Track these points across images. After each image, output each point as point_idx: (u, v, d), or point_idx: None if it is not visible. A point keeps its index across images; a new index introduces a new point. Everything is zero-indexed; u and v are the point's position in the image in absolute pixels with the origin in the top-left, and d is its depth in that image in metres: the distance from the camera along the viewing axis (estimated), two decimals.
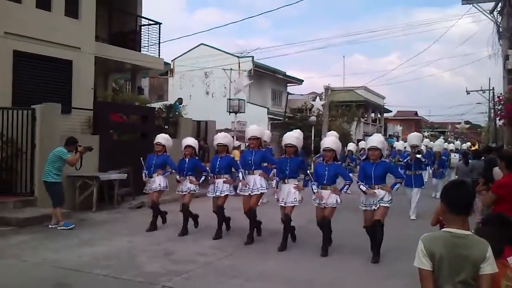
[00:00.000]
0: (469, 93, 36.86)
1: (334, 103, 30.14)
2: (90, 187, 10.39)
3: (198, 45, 28.64)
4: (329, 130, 16.69)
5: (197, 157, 8.67)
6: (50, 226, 8.38)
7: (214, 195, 7.96)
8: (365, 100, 38.39)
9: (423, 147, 13.18)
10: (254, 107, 24.83)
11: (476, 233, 2.74)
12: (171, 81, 29.53)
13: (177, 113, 16.44)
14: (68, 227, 8.32)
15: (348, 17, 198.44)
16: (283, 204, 7.21)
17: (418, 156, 10.35)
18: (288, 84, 33.24)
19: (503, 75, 17.98)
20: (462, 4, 18.39)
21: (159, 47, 16.59)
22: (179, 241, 7.73)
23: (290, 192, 7.14)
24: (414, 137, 11.30)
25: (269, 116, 26.86)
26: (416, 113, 60.74)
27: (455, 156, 15.98)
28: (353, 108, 34.32)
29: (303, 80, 34.59)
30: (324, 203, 6.79)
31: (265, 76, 29.20)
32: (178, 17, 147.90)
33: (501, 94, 18.49)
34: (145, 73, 21.08)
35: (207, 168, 8.46)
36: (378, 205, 6.52)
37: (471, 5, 18.31)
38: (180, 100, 18.10)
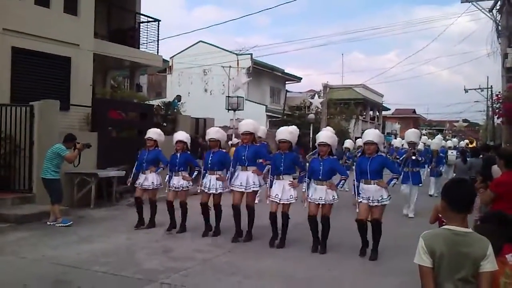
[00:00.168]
0: (467, 92, 36.97)
1: (332, 101, 30.17)
2: (88, 184, 10.38)
3: (197, 43, 28.64)
4: None
5: (189, 152, 8.43)
6: (48, 223, 8.37)
7: (206, 190, 7.75)
8: (363, 98, 38.39)
9: (421, 145, 13.13)
10: (252, 104, 24.85)
11: (475, 231, 2.75)
12: (170, 78, 29.51)
13: (175, 110, 16.40)
14: (66, 224, 8.31)
15: (347, 15, 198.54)
16: (276, 200, 7.05)
17: (414, 158, 10.26)
18: (286, 82, 33.26)
19: (502, 73, 18.05)
20: (461, 2, 18.40)
21: (157, 44, 16.58)
22: (177, 238, 7.74)
23: (285, 189, 7.02)
24: (412, 133, 11.07)
25: (268, 113, 26.89)
26: (414, 111, 60.70)
27: (452, 153, 15.96)
28: (351, 106, 34.34)
29: (301, 78, 34.67)
30: (321, 198, 6.70)
31: (263, 73, 29.21)
32: (177, 15, 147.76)
33: (499, 92, 18.54)
34: (144, 70, 21.04)
35: (200, 164, 8.37)
36: (378, 204, 6.48)
37: (470, 3, 18.31)
38: (178, 97, 18.07)
